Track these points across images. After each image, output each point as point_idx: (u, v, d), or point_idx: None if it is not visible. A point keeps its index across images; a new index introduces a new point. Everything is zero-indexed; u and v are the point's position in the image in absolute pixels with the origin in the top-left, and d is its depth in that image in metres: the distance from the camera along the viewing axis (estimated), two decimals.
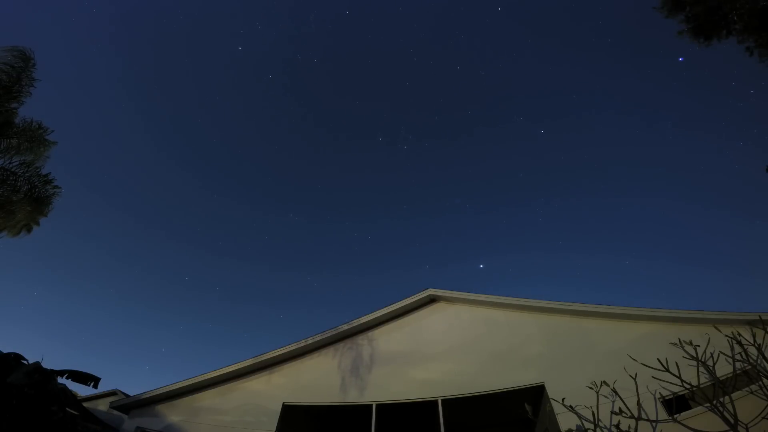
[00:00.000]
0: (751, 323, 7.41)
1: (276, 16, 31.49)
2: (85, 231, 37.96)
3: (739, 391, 6.78)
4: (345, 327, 10.68)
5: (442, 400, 8.92)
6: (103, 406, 13.06)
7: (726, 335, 7.00)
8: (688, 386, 6.73)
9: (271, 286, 42.48)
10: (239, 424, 9.30)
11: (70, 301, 40.49)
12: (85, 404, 11.33)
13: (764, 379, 6.23)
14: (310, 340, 10.48)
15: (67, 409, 8.58)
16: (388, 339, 10.62)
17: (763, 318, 6.98)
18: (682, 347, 7.03)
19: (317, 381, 10.02)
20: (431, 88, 34.62)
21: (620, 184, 32.87)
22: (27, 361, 8.27)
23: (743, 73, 19.74)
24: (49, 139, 9.42)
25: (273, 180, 39.09)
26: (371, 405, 9.25)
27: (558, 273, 39.48)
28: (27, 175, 9.04)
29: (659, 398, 7.41)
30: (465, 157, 35.84)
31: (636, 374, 7.09)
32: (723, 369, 6.88)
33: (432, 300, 11.15)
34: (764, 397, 6.04)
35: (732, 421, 5.81)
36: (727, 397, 6.22)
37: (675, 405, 7.18)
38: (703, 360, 6.85)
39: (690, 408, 7.21)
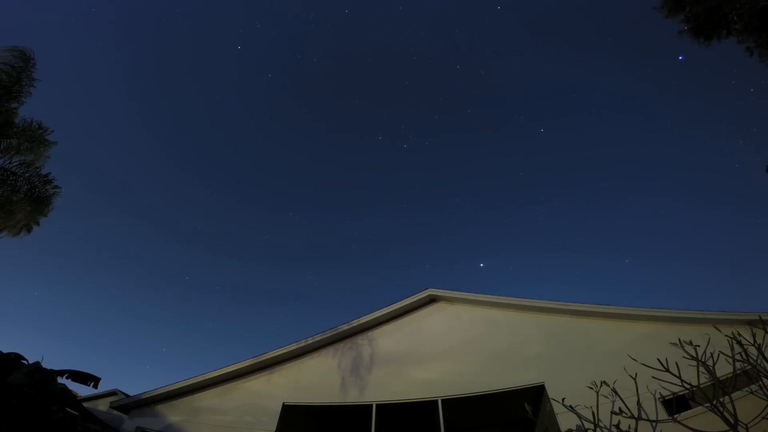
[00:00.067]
0: (751, 323, 7.40)
1: (276, 15, 31.54)
2: (85, 231, 38.00)
3: (739, 391, 6.78)
4: (345, 327, 10.68)
5: (442, 400, 8.92)
6: (103, 406, 13.06)
7: (726, 335, 6.99)
8: (688, 386, 6.73)
9: (271, 285, 42.52)
10: (239, 424, 9.30)
11: (70, 301, 40.53)
12: (85, 404, 11.33)
13: (764, 379, 6.23)
14: (310, 340, 10.48)
15: (67, 409, 8.58)
16: (388, 339, 10.62)
17: (763, 318, 6.98)
18: (682, 347, 7.03)
19: (317, 381, 10.02)
20: (431, 87, 34.70)
21: (620, 183, 32.91)
22: (27, 361, 8.28)
23: (743, 72, 19.77)
24: (49, 139, 9.43)
25: (273, 179, 39.14)
26: (371, 405, 9.25)
27: (558, 272, 39.54)
28: (27, 175, 9.05)
29: (659, 398, 7.41)
30: (465, 156, 35.88)
31: (636, 374, 7.09)
32: (723, 369, 6.88)
33: (432, 300, 11.15)
34: (764, 397, 6.04)
35: (732, 421, 5.81)
36: (727, 397, 6.22)
37: (675, 405, 7.18)
38: (703, 360, 6.84)
39: (690, 408, 7.21)
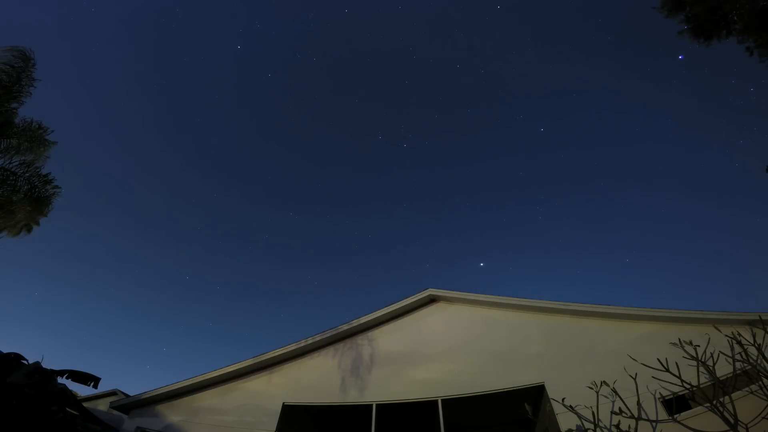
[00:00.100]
0: (751, 323, 7.40)
1: (275, 15, 31.53)
2: (85, 231, 38.00)
3: (739, 391, 6.78)
4: (345, 327, 10.68)
5: (442, 400, 8.92)
6: (103, 406, 13.07)
7: (726, 335, 6.99)
8: (688, 386, 6.73)
9: (271, 285, 42.55)
10: (239, 424, 9.30)
11: (70, 300, 40.55)
12: (85, 404, 11.33)
13: (764, 379, 6.23)
14: (310, 340, 10.48)
15: (67, 409, 8.58)
16: (388, 339, 10.62)
17: (763, 318, 6.98)
18: (682, 347, 7.03)
19: (317, 381, 10.02)
20: (431, 87, 34.70)
21: (620, 182, 32.92)
22: (27, 361, 8.28)
23: (743, 71, 19.76)
24: (49, 139, 9.42)
25: (273, 179, 39.16)
26: (371, 405, 9.25)
27: (558, 272, 39.57)
28: (27, 175, 9.04)
29: (659, 398, 7.41)
30: (465, 155, 35.90)
31: (636, 374, 7.09)
32: (723, 369, 6.88)
33: (432, 300, 11.15)
34: (764, 397, 6.04)
35: (732, 421, 5.81)
36: (727, 397, 6.22)
37: (675, 405, 7.18)
38: (703, 360, 6.85)
39: (690, 408, 7.20)
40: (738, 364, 6.76)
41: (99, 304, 41.36)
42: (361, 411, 9.54)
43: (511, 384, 8.80)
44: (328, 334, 10.58)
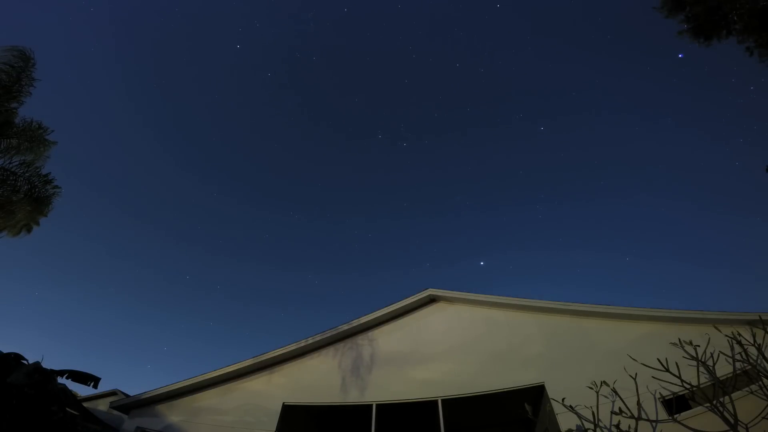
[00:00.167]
0: (751, 323, 7.40)
1: (275, 14, 31.50)
2: (85, 231, 38.01)
3: (739, 391, 6.79)
4: (345, 327, 10.68)
5: (442, 400, 8.92)
6: (103, 406, 13.07)
7: (726, 335, 6.99)
8: (688, 386, 6.73)
9: (271, 285, 42.57)
10: (239, 424, 9.30)
11: (71, 300, 40.56)
12: (85, 404, 11.33)
13: (764, 379, 6.23)
14: (310, 340, 10.49)
15: (67, 409, 8.59)
16: (388, 339, 10.62)
17: (763, 318, 6.98)
18: (682, 347, 7.03)
19: (317, 381, 10.02)
20: (430, 86, 34.70)
21: (620, 181, 32.92)
22: (27, 361, 8.28)
23: (743, 70, 19.74)
24: (49, 139, 9.42)
25: (273, 178, 39.20)
26: (371, 405, 9.25)
27: (558, 271, 39.60)
28: (27, 175, 9.04)
29: (659, 398, 7.41)
30: (465, 154, 35.92)
31: (636, 374, 7.08)
32: (723, 369, 6.88)
33: (432, 300, 11.15)
34: (764, 397, 6.04)
35: (732, 421, 5.81)
36: (727, 397, 6.22)
37: (675, 405, 7.18)
38: (703, 360, 6.84)
39: (690, 408, 7.21)
40: (738, 364, 6.76)
41: (99, 304, 41.41)
42: (361, 411, 9.55)
43: (511, 384, 8.80)
44: (328, 334, 10.58)
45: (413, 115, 36.46)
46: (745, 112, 24.46)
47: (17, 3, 25.13)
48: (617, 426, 6.23)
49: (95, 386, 8.74)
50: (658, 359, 6.98)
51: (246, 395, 9.88)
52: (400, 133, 36.56)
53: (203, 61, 33.21)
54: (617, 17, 27.85)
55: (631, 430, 6.27)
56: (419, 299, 10.99)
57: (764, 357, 6.26)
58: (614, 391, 7.05)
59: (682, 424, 6.25)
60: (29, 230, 9.46)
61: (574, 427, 6.97)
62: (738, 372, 6.76)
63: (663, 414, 7.15)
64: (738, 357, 6.70)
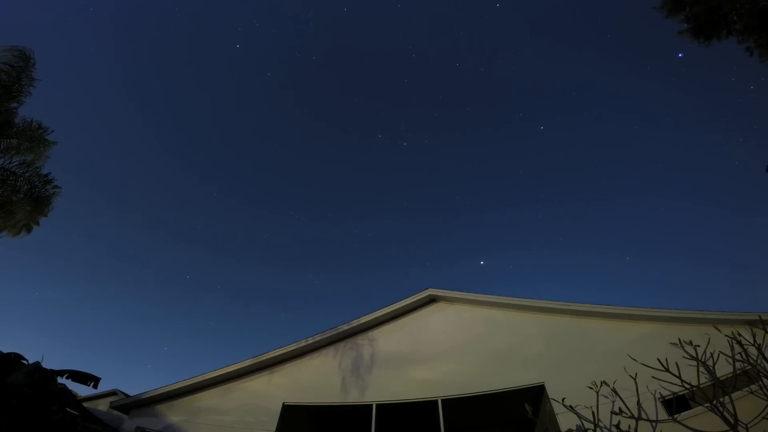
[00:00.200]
0: (751, 323, 7.41)
1: (274, 14, 31.53)
2: (85, 231, 38.02)
3: (739, 391, 6.79)
4: (345, 327, 10.68)
5: (442, 400, 8.92)
6: (103, 406, 13.07)
7: (726, 335, 6.99)
8: (688, 386, 6.72)
9: (271, 285, 42.59)
10: (239, 424, 9.30)
11: (71, 300, 40.58)
12: (85, 404, 11.33)
13: (764, 379, 6.22)
14: (310, 340, 10.49)
15: (67, 409, 8.59)
16: (388, 339, 10.62)
17: (763, 318, 6.98)
18: (682, 347, 7.03)
19: (317, 381, 10.03)
20: (430, 85, 34.70)
21: (620, 181, 32.93)
22: (27, 361, 8.28)
23: (743, 69, 19.73)
24: (49, 139, 9.43)
25: (273, 178, 39.23)
26: (371, 405, 9.25)
27: (558, 271, 39.61)
28: (27, 175, 9.05)
29: (659, 398, 7.41)
30: (465, 154, 35.94)
31: (636, 374, 7.08)
32: (723, 369, 6.88)
33: (432, 300, 11.15)
34: (764, 397, 6.04)
35: (732, 421, 5.81)
36: (727, 397, 6.22)
37: (675, 405, 7.18)
38: (703, 360, 6.84)
39: (690, 408, 7.21)
40: (738, 364, 6.76)
41: (99, 304, 41.42)
42: (361, 411, 9.55)
43: (511, 384, 8.80)
44: (328, 334, 10.58)
45: (413, 114, 36.51)
46: (745, 111, 24.47)
47: (17, 3, 25.14)
48: (617, 426, 6.23)
49: (95, 386, 8.74)
50: (658, 359, 6.98)
51: (246, 395, 9.88)
52: (400, 133, 36.61)
53: (203, 60, 33.25)
54: (617, 17, 27.88)
55: (631, 430, 6.27)
56: (419, 299, 10.99)
57: (764, 357, 6.26)
58: (614, 391, 7.04)
59: (682, 424, 6.25)
60: (29, 230, 9.47)
61: (574, 427, 6.97)
62: (738, 372, 6.76)
63: (663, 414, 7.15)
64: (738, 357, 6.70)
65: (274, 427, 9.04)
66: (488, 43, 31.64)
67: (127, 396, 11.36)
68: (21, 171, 8.99)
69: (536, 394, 8.96)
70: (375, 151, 38.17)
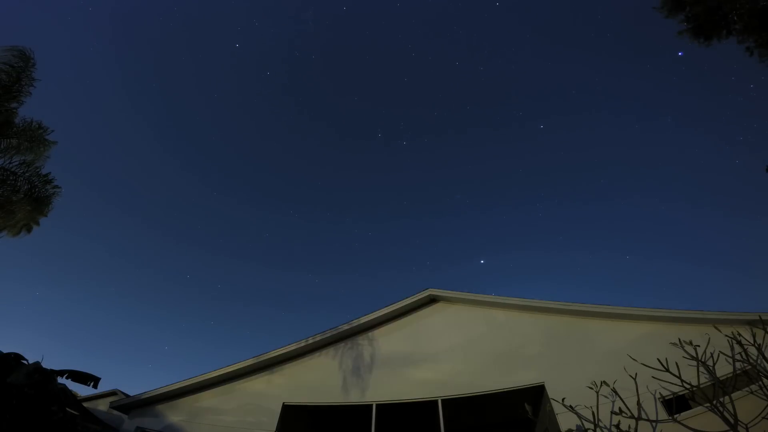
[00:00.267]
0: (751, 323, 7.40)
1: (274, 13, 31.53)
2: (86, 231, 38.02)
3: (739, 391, 6.78)
4: (345, 327, 10.68)
5: (442, 400, 8.92)
6: (103, 406, 13.08)
7: (726, 335, 7.00)
8: (688, 386, 6.73)
9: (271, 285, 42.59)
10: (239, 425, 9.30)
11: (71, 300, 40.59)
12: (85, 404, 11.34)
13: (764, 379, 6.23)
14: (310, 340, 10.48)
15: (67, 409, 8.59)
16: (388, 339, 10.61)
17: (763, 318, 6.98)
18: (682, 347, 7.04)
19: (317, 381, 10.02)
20: (430, 85, 34.69)
21: (620, 181, 32.94)
22: (27, 361, 8.28)
23: (743, 68, 19.73)
24: (49, 139, 9.42)
25: (273, 178, 39.24)
26: (371, 405, 9.25)
27: (558, 270, 39.57)
28: (27, 175, 9.04)
29: (659, 398, 7.41)
30: (465, 153, 35.96)
31: (636, 374, 7.09)
32: (723, 369, 6.88)
33: (432, 300, 11.15)
34: (764, 397, 6.04)
35: (732, 421, 5.81)
36: (727, 397, 6.23)
37: (675, 405, 7.18)
38: (703, 360, 6.85)
39: (690, 408, 7.20)
40: (738, 364, 6.76)
41: (99, 304, 41.45)
42: (361, 411, 9.55)
43: (511, 384, 8.80)
44: (328, 334, 10.58)
45: (413, 114, 36.52)
46: (745, 111, 24.46)
47: (17, 3, 25.14)
48: (617, 426, 6.24)
49: (95, 386, 8.74)
50: (658, 359, 6.99)
51: (246, 395, 9.88)
52: (399, 133, 36.63)
53: (203, 60, 33.23)
54: (617, 17, 27.88)
55: (631, 430, 6.27)
56: (419, 299, 10.99)
57: (764, 357, 6.26)
58: (614, 391, 7.05)
59: (682, 424, 6.26)
60: (29, 230, 9.47)
61: (574, 427, 6.97)
62: (738, 372, 6.76)
63: (663, 414, 7.14)
64: (738, 357, 6.70)
65: (274, 427, 9.04)
66: (488, 42, 31.66)
67: (127, 396, 11.36)
68: (21, 171, 8.99)
69: (536, 394, 8.96)
70: (375, 151, 38.24)
